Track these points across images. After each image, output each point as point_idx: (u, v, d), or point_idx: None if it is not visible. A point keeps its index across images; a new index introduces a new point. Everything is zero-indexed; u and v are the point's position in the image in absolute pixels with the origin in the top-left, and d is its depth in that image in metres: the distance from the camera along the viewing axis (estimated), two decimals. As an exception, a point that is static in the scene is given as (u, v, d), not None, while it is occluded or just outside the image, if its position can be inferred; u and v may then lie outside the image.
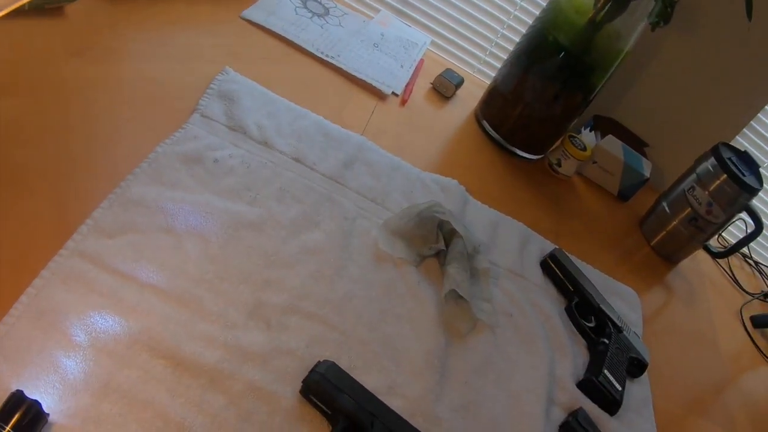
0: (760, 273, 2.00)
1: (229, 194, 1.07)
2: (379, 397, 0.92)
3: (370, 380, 0.95)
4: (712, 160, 1.62)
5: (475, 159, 1.58)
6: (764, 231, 1.65)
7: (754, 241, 1.74)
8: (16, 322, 0.78)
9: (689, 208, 1.66)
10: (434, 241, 1.18)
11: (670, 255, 1.75)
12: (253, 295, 0.96)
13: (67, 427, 0.73)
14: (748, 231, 1.69)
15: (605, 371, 1.19)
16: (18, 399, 0.70)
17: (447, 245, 1.19)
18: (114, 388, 0.78)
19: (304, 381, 0.89)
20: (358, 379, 0.92)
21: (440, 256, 1.20)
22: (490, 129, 1.66)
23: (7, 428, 0.68)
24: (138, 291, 0.88)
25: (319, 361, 0.91)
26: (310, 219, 1.12)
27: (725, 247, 1.84)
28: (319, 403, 0.88)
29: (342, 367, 0.92)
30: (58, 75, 1.09)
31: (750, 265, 2.01)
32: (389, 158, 1.35)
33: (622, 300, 1.46)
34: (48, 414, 0.72)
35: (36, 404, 0.71)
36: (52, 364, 0.77)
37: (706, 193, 1.62)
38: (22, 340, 0.77)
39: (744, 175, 1.58)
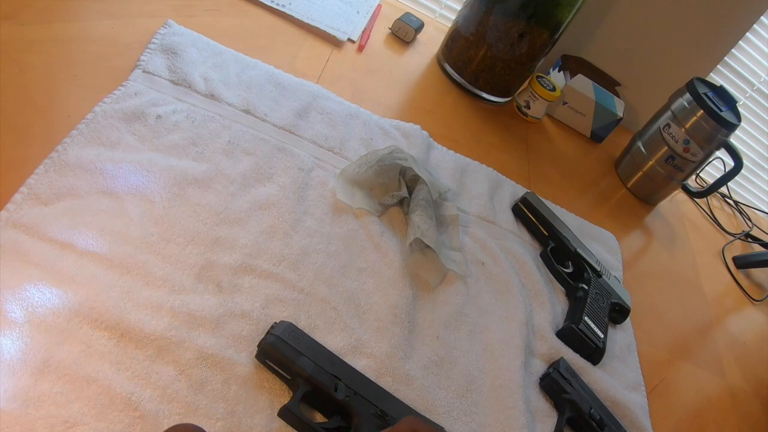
0: (741, 213, 1.97)
1: (174, 151, 1.01)
2: (343, 358, 0.88)
3: (333, 340, 0.91)
4: (688, 96, 1.57)
5: (439, 104, 1.53)
6: (743, 169, 1.61)
7: (733, 181, 1.71)
8: None
9: (665, 147, 1.62)
10: (396, 189, 1.13)
11: (647, 196, 1.72)
12: (202, 256, 0.90)
13: (6, 410, 0.68)
14: (727, 170, 1.64)
15: (586, 318, 1.15)
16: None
17: (410, 193, 1.14)
18: (54, 366, 0.73)
19: (260, 345, 0.83)
20: (319, 340, 0.87)
21: (403, 204, 1.15)
22: (454, 73, 1.60)
23: None
24: (77, 260, 0.82)
25: (275, 323, 0.86)
26: (261, 172, 1.06)
27: (704, 188, 1.80)
28: (276, 368, 0.83)
29: (301, 328, 0.87)
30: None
31: (730, 205, 1.98)
32: (346, 105, 1.29)
33: (600, 244, 1.42)
34: (-20, 397, 0.67)
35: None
36: (-15, 345, 0.72)
37: (683, 130, 1.58)
38: (-47, 320, 0.72)
39: (721, 111, 1.54)
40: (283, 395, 0.83)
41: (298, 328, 0.87)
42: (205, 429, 0.67)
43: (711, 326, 1.47)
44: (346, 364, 0.87)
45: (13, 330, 0.74)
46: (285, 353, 0.83)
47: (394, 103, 1.44)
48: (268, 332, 0.84)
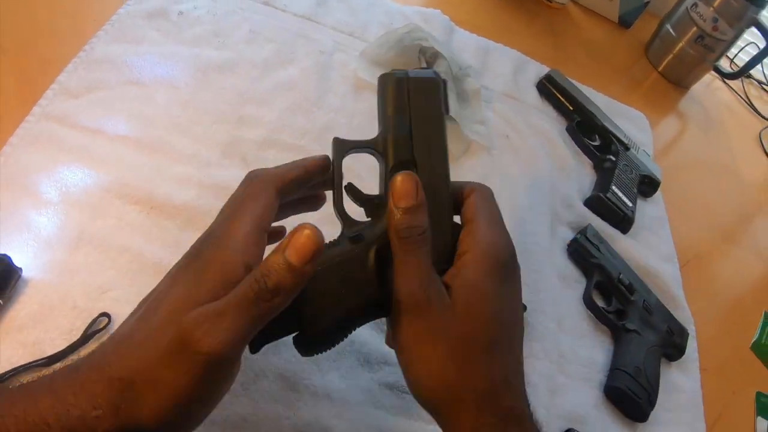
0: (779, 98, 1.82)
1: (197, 42, 0.97)
2: None
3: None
4: (714, -28, 1.45)
5: (461, -7, 1.44)
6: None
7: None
8: None
9: (695, 27, 1.51)
10: (417, 66, 1.07)
11: (680, 79, 1.61)
12: (228, 134, 0.87)
13: (43, 280, 0.67)
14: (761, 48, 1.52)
15: (613, 188, 1.09)
16: (-16, 255, 0.65)
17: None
18: (88, 239, 0.72)
19: None
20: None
21: (425, 79, 1.10)
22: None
23: None
24: (108, 143, 0.80)
25: None
26: (283, 56, 1.01)
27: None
28: None
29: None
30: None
31: (766, 91, 1.84)
32: (366, -7, 1.22)
33: (629, 122, 1.33)
34: (20, 268, 0.66)
35: (5, 257, 0.64)
36: (24, 224, 0.70)
37: (711, 9, 1.46)
38: (-8, 205, 0.70)
39: (750, -13, 1.41)
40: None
41: None
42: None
43: (749, 210, 1.39)
44: None
45: (48, 209, 0.73)
46: None
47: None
48: None
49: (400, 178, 0.54)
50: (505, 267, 0.55)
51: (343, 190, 0.58)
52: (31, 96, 0.82)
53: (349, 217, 0.57)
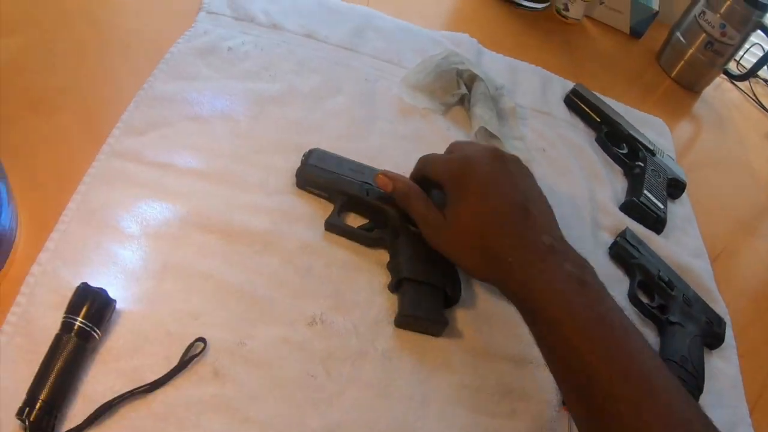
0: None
1: (248, 76, 1.00)
2: None
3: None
4: (719, -19, 1.49)
5: (481, 14, 1.49)
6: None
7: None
8: (67, 227, 0.73)
9: (703, 34, 1.55)
10: (456, 88, 1.11)
11: (692, 84, 1.65)
12: (290, 161, 0.90)
13: (137, 311, 0.70)
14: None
15: (645, 192, 1.13)
16: (83, 290, 0.66)
17: (469, 91, 1.12)
18: (172, 269, 0.74)
19: (297, 174, 0.89)
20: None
21: (464, 101, 1.13)
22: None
23: (79, 319, 0.64)
24: (179, 176, 0.83)
25: (305, 152, 0.91)
26: (331, 86, 1.05)
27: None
28: (315, 191, 0.89)
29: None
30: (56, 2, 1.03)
31: None
32: (397, 22, 1.26)
33: (650, 129, 1.36)
34: (115, 300, 0.68)
35: (102, 291, 0.67)
36: (110, 258, 0.73)
37: (717, 15, 1.51)
38: (77, 241, 0.73)
39: (753, -8, 1.45)
40: (381, 274, 0.85)
41: (326, 152, 0.90)
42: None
43: (765, 205, 1.43)
44: (376, 170, 0.90)
45: (131, 243, 0.75)
46: (317, 175, 0.87)
47: (439, 16, 1.41)
48: (302, 162, 0.88)
49: (379, 177, 0.87)
50: (458, 180, 0.80)
51: None
52: (97, 135, 0.85)
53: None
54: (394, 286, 0.82)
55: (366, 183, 0.88)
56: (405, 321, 0.79)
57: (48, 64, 0.93)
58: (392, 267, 0.83)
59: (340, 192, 0.86)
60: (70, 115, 0.87)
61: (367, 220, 0.88)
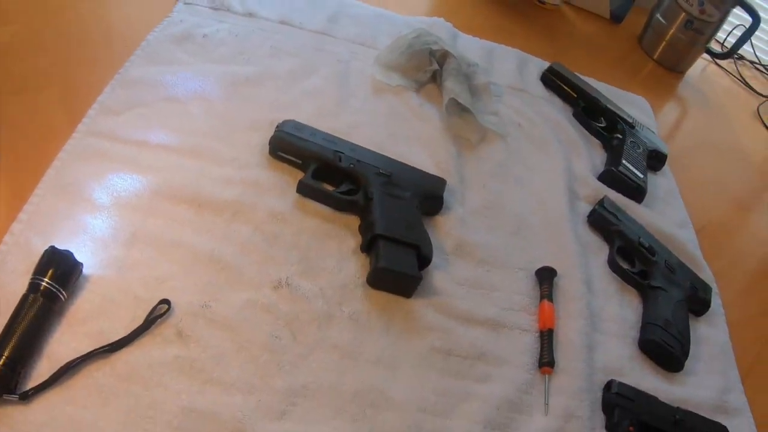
0: (770, 72, 1.83)
1: (223, 60, 1.01)
2: None
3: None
4: (695, -42, 1.49)
5: (461, 1, 1.49)
6: (762, 23, 1.51)
7: (762, 43, 1.61)
8: (41, 200, 0.74)
9: (683, 13, 1.55)
10: (428, 65, 1.11)
11: (675, 65, 1.64)
12: (263, 138, 0.90)
13: (105, 276, 0.70)
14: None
15: (624, 162, 1.12)
16: (50, 252, 0.67)
17: (441, 68, 1.12)
18: (142, 237, 0.75)
19: (270, 140, 0.89)
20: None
21: (437, 78, 1.12)
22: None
23: (45, 279, 0.64)
24: (152, 152, 0.84)
25: (279, 122, 0.90)
26: (306, 68, 1.05)
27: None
28: (288, 156, 0.89)
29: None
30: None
31: (760, 71, 1.84)
32: (372, 9, 1.27)
33: (632, 106, 1.37)
34: (81, 263, 0.68)
35: (68, 254, 0.67)
36: (80, 227, 0.73)
37: (695, -7, 1.50)
38: (50, 212, 0.74)
39: (729, -32, 1.44)
40: (351, 239, 0.85)
41: (301, 123, 0.90)
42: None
43: (757, 179, 1.42)
44: (348, 141, 0.90)
45: (102, 213, 0.75)
46: (291, 141, 0.87)
47: (415, 3, 1.41)
48: (275, 129, 0.88)
49: None
50: None
51: None
52: (75, 116, 0.86)
53: None
54: (367, 245, 0.81)
55: (338, 151, 0.88)
56: (378, 276, 0.79)
57: (33, 51, 0.94)
58: (365, 227, 0.82)
59: (313, 157, 0.87)
60: (51, 98, 0.88)
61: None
